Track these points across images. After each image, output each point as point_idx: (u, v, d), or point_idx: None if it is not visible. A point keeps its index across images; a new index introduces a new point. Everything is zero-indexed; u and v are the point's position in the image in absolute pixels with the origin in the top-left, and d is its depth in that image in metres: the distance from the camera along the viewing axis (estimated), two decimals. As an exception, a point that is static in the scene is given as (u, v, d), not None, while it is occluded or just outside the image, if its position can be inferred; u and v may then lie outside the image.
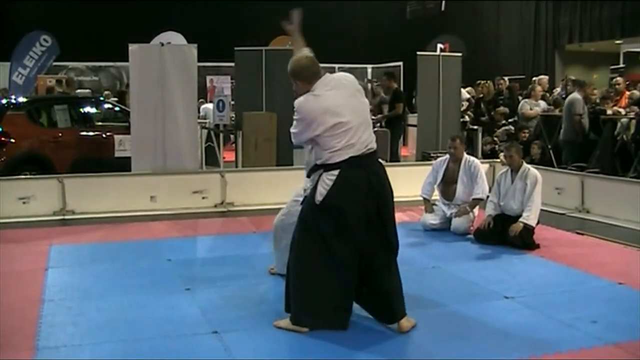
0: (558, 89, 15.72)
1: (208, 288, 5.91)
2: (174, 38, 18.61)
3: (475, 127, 13.84)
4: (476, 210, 8.35)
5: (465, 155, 8.49)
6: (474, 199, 8.25)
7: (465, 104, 14.93)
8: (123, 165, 10.49)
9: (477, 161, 8.52)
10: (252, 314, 5.24)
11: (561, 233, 8.36)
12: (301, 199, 5.25)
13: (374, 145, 4.86)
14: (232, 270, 6.52)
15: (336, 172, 4.69)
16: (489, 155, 13.15)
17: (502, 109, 14.65)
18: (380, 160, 5.02)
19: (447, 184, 8.48)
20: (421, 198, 8.68)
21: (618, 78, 14.36)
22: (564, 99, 13.07)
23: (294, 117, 4.83)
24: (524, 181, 7.60)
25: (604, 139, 11.85)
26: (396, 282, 4.92)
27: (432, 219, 8.44)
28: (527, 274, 6.50)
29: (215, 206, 9.92)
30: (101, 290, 5.89)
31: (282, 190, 9.98)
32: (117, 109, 12.67)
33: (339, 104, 4.72)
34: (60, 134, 11.22)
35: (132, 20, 20.79)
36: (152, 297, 5.65)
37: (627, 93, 12.99)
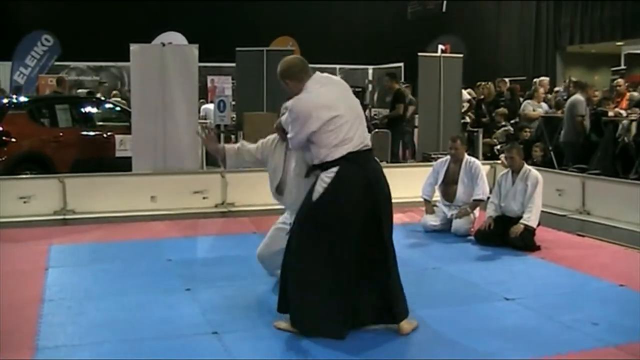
0: (560, 89, 15.72)
1: (208, 288, 5.90)
2: (175, 38, 18.70)
3: (476, 128, 13.84)
4: (477, 211, 8.33)
5: (466, 156, 8.47)
6: (474, 200, 8.23)
7: (466, 105, 14.92)
8: (124, 165, 10.50)
9: (477, 162, 8.50)
10: (252, 314, 5.23)
11: (562, 235, 8.35)
12: (284, 225, 5.44)
13: (369, 143, 4.85)
14: (232, 270, 6.50)
15: (335, 169, 4.65)
16: (488, 156, 13.15)
17: (502, 109, 14.64)
18: (376, 159, 5.02)
19: (448, 185, 8.45)
20: (422, 199, 8.66)
21: (619, 80, 14.36)
22: (566, 100, 13.07)
23: (288, 121, 4.83)
24: (524, 182, 7.58)
25: (605, 141, 11.85)
26: (395, 281, 4.85)
27: (433, 220, 8.41)
28: (527, 275, 6.49)
29: (216, 206, 9.90)
30: (101, 290, 5.87)
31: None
32: (117, 108, 12.67)
33: (332, 98, 4.74)
34: (61, 134, 11.23)
35: (133, 20, 20.83)
36: (152, 297, 5.64)
37: (628, 94, 13.00)
